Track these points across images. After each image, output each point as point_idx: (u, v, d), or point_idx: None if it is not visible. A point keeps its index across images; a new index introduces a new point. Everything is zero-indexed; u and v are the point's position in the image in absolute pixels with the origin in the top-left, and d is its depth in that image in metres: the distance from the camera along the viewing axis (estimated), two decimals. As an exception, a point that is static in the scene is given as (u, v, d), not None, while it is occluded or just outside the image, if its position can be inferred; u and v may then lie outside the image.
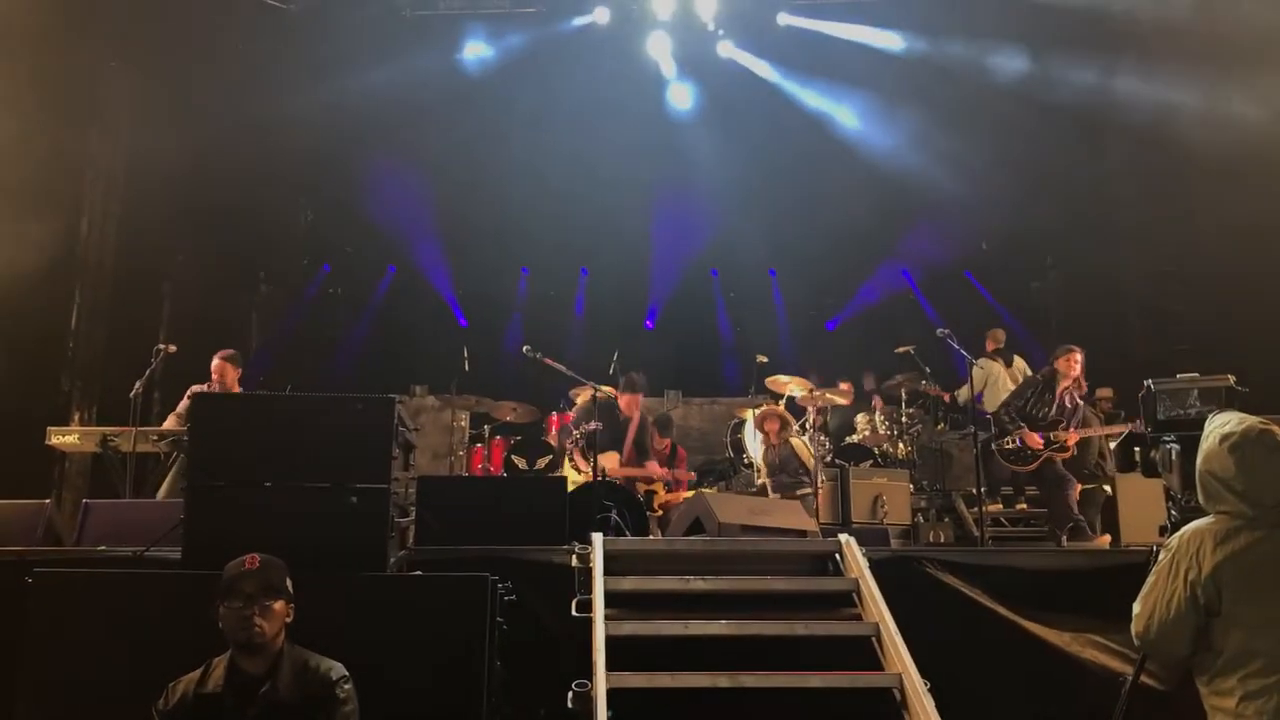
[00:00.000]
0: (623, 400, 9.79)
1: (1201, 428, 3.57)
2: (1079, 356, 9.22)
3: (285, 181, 13.56)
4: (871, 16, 13.70)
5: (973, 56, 13.41)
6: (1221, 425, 3.47)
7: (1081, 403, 9.26)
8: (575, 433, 9.46)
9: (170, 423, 8.88)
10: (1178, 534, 3.48)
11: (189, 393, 8.98)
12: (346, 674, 3.97)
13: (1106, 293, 13.61)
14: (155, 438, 8.30)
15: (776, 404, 11.11)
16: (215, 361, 8.99)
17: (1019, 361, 12.04)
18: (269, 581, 3.94)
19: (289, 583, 4.04)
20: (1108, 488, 9.02)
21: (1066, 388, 9.17)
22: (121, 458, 8.22)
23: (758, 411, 10.90)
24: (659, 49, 14.20)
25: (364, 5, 13.35)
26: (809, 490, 9.81)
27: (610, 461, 9.37)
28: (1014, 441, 9.06)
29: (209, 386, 8.90)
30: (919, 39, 13.62)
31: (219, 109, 11.79)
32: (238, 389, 8.98)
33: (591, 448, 8.77)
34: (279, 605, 3.95)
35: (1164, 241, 12.61)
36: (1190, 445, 3.68)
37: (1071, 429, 8.98)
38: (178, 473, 8.22)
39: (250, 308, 14.43)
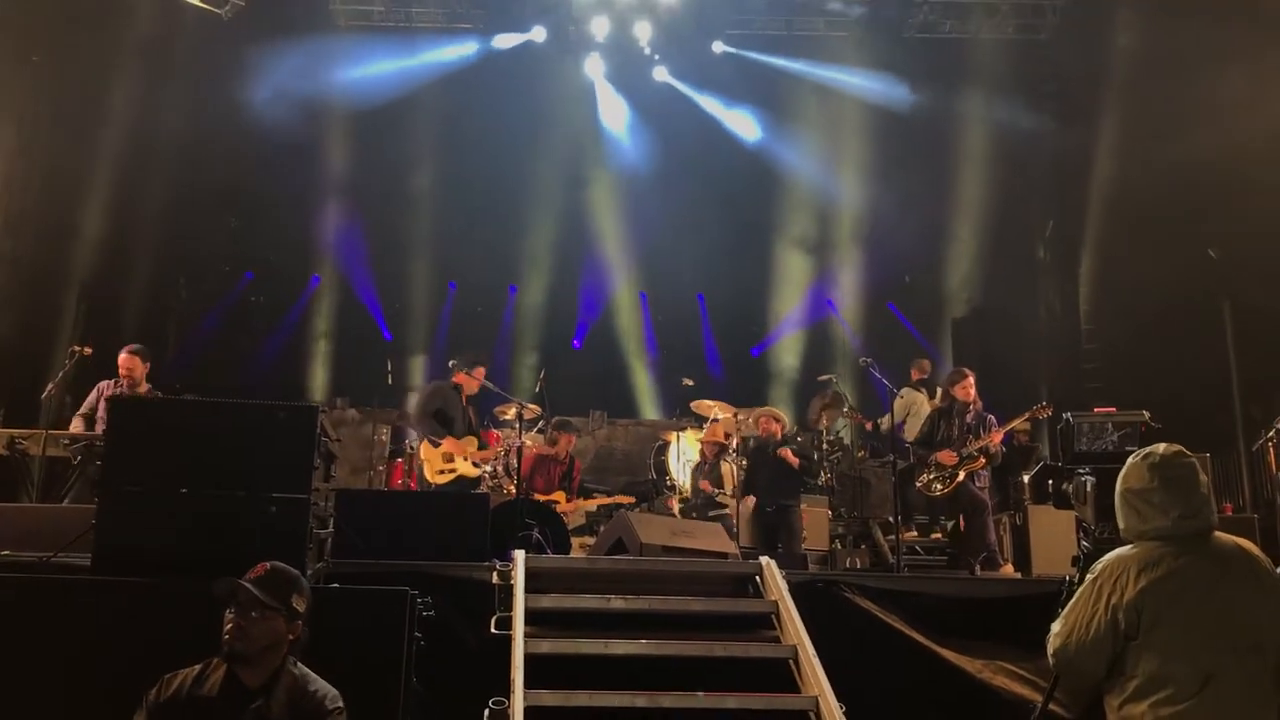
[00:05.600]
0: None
1: (1120, 461, 3.69)
2: (971, 380, 9.41)
3: (210, 187, 13.31)
4: (806, 50, 13.95)
5: (901, 95, 13.74)
6: (1140, 450, 3.62)
7: (987, 415, 9.37)
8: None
9: (76, 424, 8.57)
10: (1102, 559, 3.57)
11: (99, 388, 8.73)
12: (342, 705, 3.82)
13: (1021, 328, 13.94)
14: (66, 441, 8.03)
15: (700, 428, 11.19)
16: (122, 356, 8.62)
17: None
18: (266, 592, 3.77)
19: (299, 599, 3.85)
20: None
21: (963, 410, 9.32)
22: (29, 461, 7.95)
23: (704, 433, 10.88)
24: (595, 71, 14.27)
25: (299, 16, 13.24)
26: (725, 511, 9.92)
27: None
28: (929, 472, 9.19)
29: (117, 384, 8.64)
30: (851, 75, 13.90)
31: (146, 112, 11.55)
32: (146, 385, 8.68)
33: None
34: (275, 619, 3.76)
35: (1076, 280, 12.98)
36: (1106, 478, 3.77)
37: (990, 433, 9.11)
38: (83, 482, 7.97)
39: (169, 312, 14.12)
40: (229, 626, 3.71)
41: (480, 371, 9.77)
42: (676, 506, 10.66)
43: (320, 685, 3.85)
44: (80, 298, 12.24)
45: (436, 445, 9.31)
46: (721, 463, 10.55)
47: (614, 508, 10.70)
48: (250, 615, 3.72)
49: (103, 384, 8.72)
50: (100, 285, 12.24)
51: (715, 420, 11.11)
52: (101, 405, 8.60)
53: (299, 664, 3.85)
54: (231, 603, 3.75)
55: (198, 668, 3.80)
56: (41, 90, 11.59)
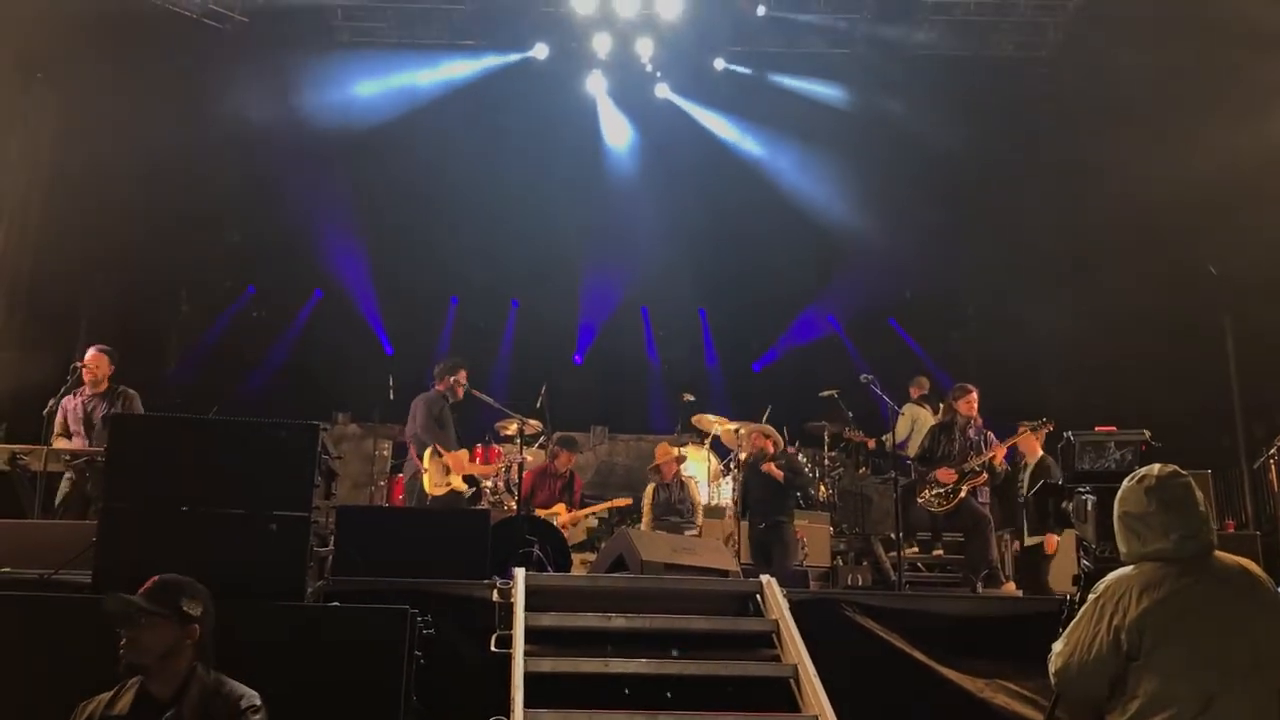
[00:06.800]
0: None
1: (1121, 480, 3.68)
2: (975, 395, 9.41)
3: (212, 201, 13.34)
4: (806, 68, 14.00)
5: (901, 112, 13.77)
6: (1136, 473, 3.61)
7: (987, 432, 9.38)
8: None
9: (60, 445, 8.56)
10: (1104, 579, 3.56)
11: (63, 405, 8.68)
12: (258, 704, 3.83)
13: (1023, 343, 13.94)
14: (67, 457, 8.04)
15: (702, 443, 11.18)
16: (91, 353, 8.73)
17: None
18: (149, 601, 3.82)
19: (190, 603, 3.87)
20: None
21: (965, 426, 9.31)
22: (31, 476, 7.94)
23: (658, 452, 10.82)
24: (596, 87, 14.31)
25: (301, 30, 13.28)
26: (694, 531, 9.92)
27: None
28: (931, 488, 9.17)
29: (79, 392, 8.63)
30: (852, 93, 13.95)
31: (148, 124, 11.57)
32: (107, 385, 8.70)
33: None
34: (162, 625, 3.79)
35: (1079, 294, 12.97)
36: (1107, 497, 3.76)
37: (991, 448, 9.11)
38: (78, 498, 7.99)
39: (170, 326, 14.13)
40: (121, 641, 3.76)
41: (463, 375, 9.78)
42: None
43: (236, 687, 3.87)
44: (81, 312, 12.25)
45: (441, 455, 9.34)
46: (680, 482, 10.52)
47: (612, 520, 10.72)
48: (139, 625, 3.77)
49: (65, 400, 8.68)
50: (101, 300, 12.25)
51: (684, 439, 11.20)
52: (70, 418, 8.60)
53: (213, 671, 3.88)
54: (125, 620, 3.79)
55: (111, 691, 3.83)
56: (45, 107, 11.63)
